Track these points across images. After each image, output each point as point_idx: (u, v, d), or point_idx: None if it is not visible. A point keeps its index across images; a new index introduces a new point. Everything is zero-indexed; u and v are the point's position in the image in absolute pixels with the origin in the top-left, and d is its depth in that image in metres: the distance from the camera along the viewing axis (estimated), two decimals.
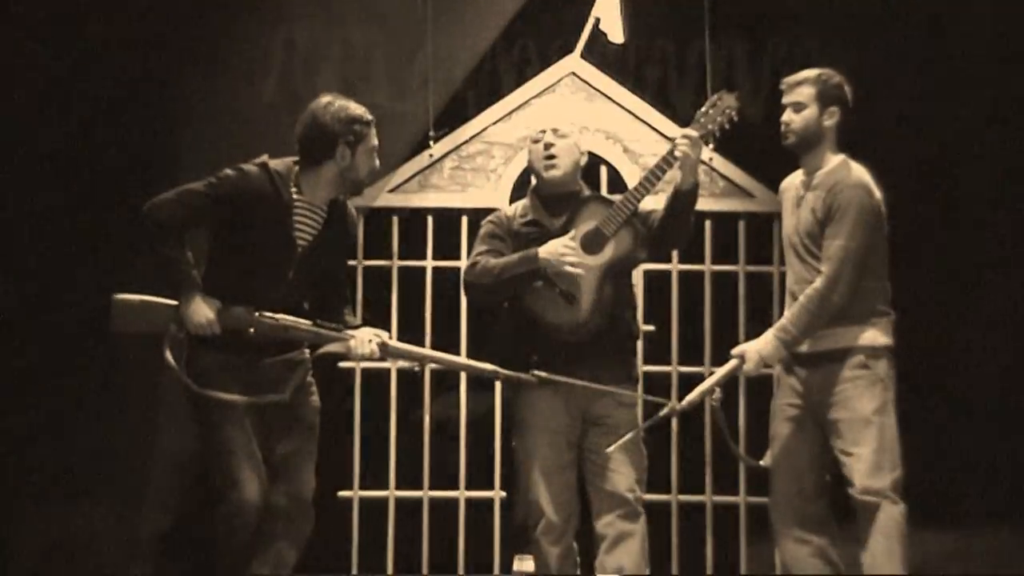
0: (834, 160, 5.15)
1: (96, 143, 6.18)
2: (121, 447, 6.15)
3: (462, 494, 6.19)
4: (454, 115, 6.39)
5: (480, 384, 6.22)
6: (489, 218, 5.43)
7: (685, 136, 5.14)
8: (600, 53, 6.49)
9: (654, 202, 5.30)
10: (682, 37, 6.76)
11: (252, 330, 4.80)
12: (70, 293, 6.09)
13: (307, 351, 5.01)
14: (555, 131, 5.29)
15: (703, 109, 5.21)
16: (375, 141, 4.93)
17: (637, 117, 6.25)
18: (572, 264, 5.10)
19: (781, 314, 5.94)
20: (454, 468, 6.20)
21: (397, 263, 6.26)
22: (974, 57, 6.34)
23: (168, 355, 4.77)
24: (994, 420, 6.47)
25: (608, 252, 5.18)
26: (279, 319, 4.83)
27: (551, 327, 5.16)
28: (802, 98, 5.16)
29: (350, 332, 4.93)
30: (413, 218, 6.27)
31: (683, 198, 5.17)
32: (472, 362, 5.34)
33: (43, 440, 6.15)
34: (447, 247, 6.26)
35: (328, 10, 6.32)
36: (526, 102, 6.31)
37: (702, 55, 6.46)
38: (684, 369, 6.19)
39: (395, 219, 6.26)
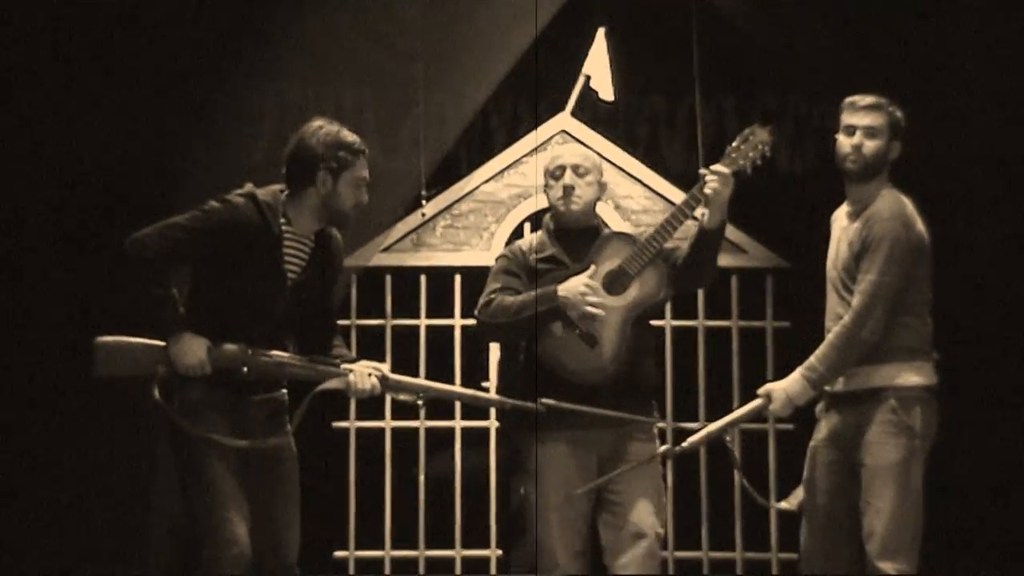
0: (880, 192, 4.88)
1: (87, 203, 6.16)
2: (113, 508, 6.10)
3: (458, 553, 6.17)
4: (446, 174, 6.40)
5: (475, 441, 6.23)
6: (503, 252, 5.23)
7: (715, 172, 4.89)
8: (591, 111, 6.53)
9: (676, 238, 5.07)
10: (672, 94, 6.78)
11: (246, 369, 4.60)
12: (50, 335, 6.03)
13: (284, 390, 4.79)
14: (575, 168, 5.07)
15: (734, 144, 4.98)
16: (363, 173, 4.71)
17: (628, 174, 6.27)
18: (594, 304, 4.90)
19: (775, 369, 5.98)
20: (450, 526, 6.18)
21: (390, 322, 6.26)
22: (964, 107, 6.33)
23: (158, 397, 4.55)
24: None
25: (632, 292, 4.95)
26: (274, 356, 4.65)
27: (569, 372, 4.92)
28: (878, 124, 4.88)
29: (348, 367, 4.72)
30: (406, 277, 6.28)
31: (710, 237, 4.95)
32: (474, 392, 5.21)
33: (26, 500, 6.09)
34: (440, 306, 6.27)
35: (320, 70, 6.32)
36: (518, 160, 6.34)
37: (692, 111, 6.48)
38: (681, 425, 6.17)
39: (388, 278, 6.28)
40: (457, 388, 5.36)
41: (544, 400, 4.85)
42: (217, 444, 4.56)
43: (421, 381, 5.04)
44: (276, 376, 4.69)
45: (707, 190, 4.89)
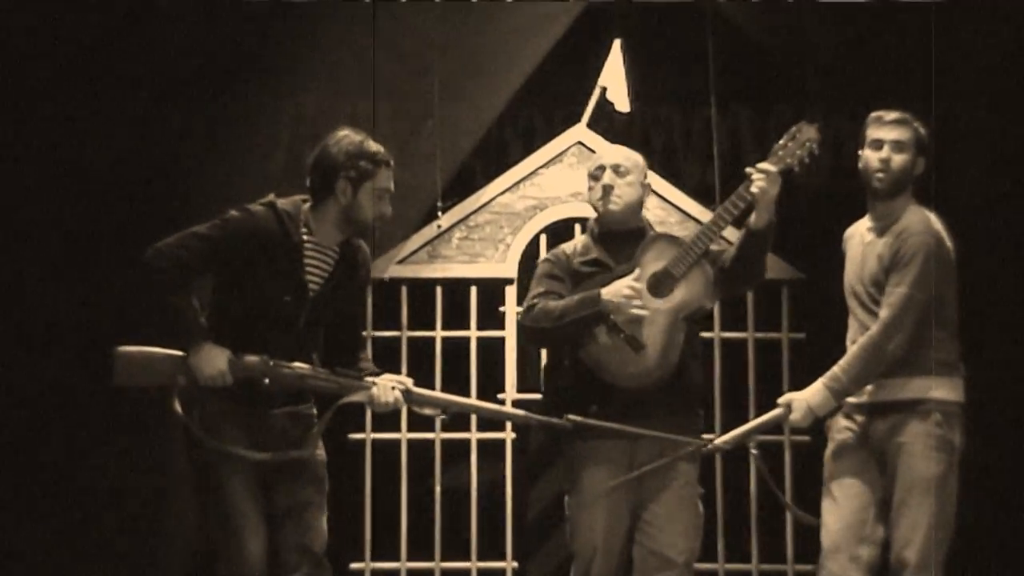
0: (907, 207, 4.85)
1: (107, 214, 6.16)
2: (129, 520, 6.10)
3: (474, 565, 6.16)
4: (462, 185, 6.40)
5: (491, 453, 6.23)
6: (546, 256, 5.17)
7: (762, 170, 4.80)
8: (606, 122, 6.52)
9: (722, 241, 5.02)
10: (687, 105, 6.76)
11: (267, 381, 4.54)
12: (70, 344, 6.03)
13: (313, 407, 4.76)
14: (615, 168, 5.01)
15: (781, 142, 4.87)
16: (386, 184, 4.66)
17: None
18: (638, 306, 4.81)
19: (791, 381, 5.96)
20: (465, 538, 6.17)
21: (406, 334, 6.26)
22: (973, 124, 6.31)
23: (179, 408, 4.51)
24: None
25: (678, 295, 4.86)
26: (296, 368, 4.60)
27: (614, 376, 4.84)
28: (905, 138, 4.84)
29: (371, 380, 4.67)
30: (422, 289, 6.28)
31: (758, 237, 4.86)
32: (499, 407, 5.19)
33: (40, 511, 6.08)
34: (456, 317, 6.27)
35: (335, 82, 6.33)
36: (533, 172, 6.33)
37: (708, 123, 6.48)
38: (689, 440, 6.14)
39: (404, 290, 6.27)
40: (482, 403, 5.32)
41: (570, 416, 4.80)
42: (236, 457, 4.53)
43: (445, 396, 4.96)
44: (298, 388, 4.65)
45: (754, 189, 4.81)
